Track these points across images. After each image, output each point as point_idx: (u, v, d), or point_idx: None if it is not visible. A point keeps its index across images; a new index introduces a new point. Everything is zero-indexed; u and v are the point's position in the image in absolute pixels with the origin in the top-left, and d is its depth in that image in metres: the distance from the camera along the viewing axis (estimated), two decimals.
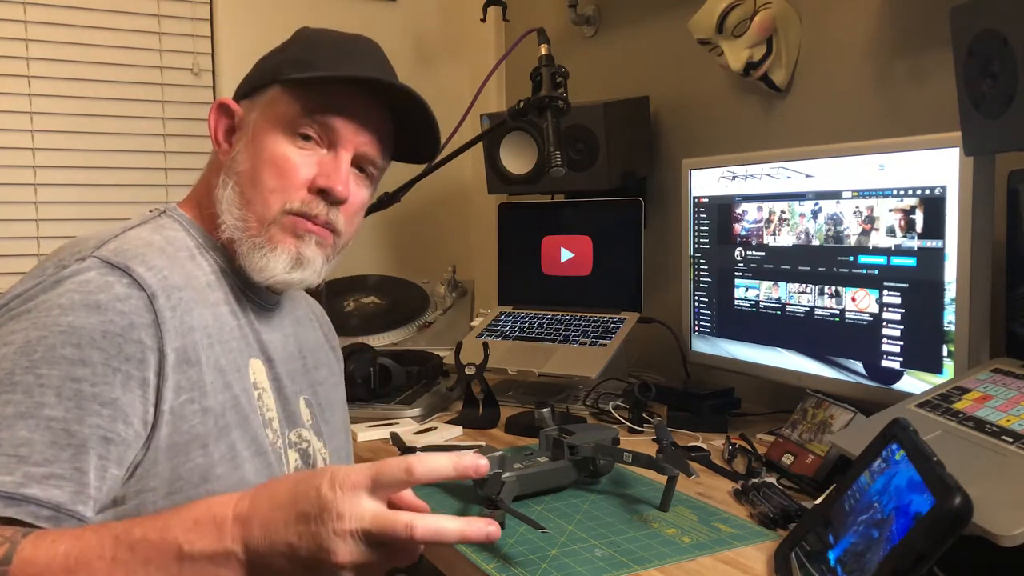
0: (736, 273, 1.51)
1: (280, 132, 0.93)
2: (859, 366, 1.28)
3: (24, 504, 0.72)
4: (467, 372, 1.52)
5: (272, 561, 0.67)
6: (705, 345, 1.60)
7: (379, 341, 1.92)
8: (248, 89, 0.98)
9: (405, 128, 1.01)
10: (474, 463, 0.70)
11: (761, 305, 1.46)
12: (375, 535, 0.66)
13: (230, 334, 0.91)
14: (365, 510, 0.66)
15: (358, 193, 0.98)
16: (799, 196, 1.37)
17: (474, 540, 0.68)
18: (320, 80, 0.93)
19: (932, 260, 1.17)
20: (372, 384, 1.56)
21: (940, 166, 1.15)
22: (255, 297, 0.98)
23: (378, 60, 1.00)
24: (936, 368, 1.17)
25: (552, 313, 1.82)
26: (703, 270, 1.59)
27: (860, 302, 1.28)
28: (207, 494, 0.80)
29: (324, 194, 0.93)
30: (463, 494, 1.15)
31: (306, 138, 0.93)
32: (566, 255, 1.85)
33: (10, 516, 0.71)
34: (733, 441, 1.32)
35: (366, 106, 0.96)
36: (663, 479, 1.10)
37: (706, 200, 1.57)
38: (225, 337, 0.90)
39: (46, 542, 0.69)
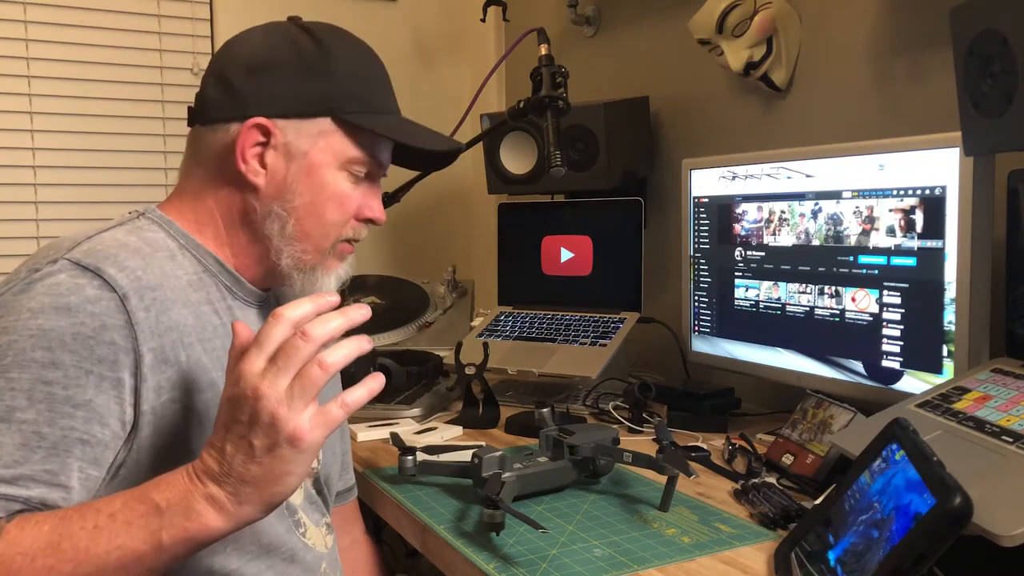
0: (736, 273, 1.51)
1: (337, 168, 0.97)
2: (859, 366, 1.28)
3: None
4: (467, 372, 1.52)
5: (237, 468, 0.72)
6: (705, 345, 1.60)
7: (379, 341, 1.92)
8: (287, 111, 0.94)
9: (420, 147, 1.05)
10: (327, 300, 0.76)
11: (761, 305, 1.46)
12: (281, 366, 0.72)
13: (213, 333, 0.91)
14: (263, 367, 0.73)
15: None
16: (799, 196, 1.37)
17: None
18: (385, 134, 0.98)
19: (932, 260, 1.17)
20: None
21: (940, 166, 1.15)
22: (243, 296, 0.99)
23: (389, 79, 1.04)
24: (936, 368, 1.17)
25: (552, 313, 1.82)
26: (703, 270, 1.59)
27: (860, 302, 1.28)
28: None
29: (369, 222, 1.02)
30: (463, 494, 1.15)
31: (358, 176, 0.99)
32: (566, 255, 1.85)
33: None
34: (733, 441, 1.32)
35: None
36: (663, 479, 1.10)
37: (706, 200, 1.57)
38: (208, 336, 0.90)
39: (31, 523, 0.71)
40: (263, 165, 0.94)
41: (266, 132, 0.93)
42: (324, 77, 0.95)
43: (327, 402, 0.75)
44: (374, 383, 0.76)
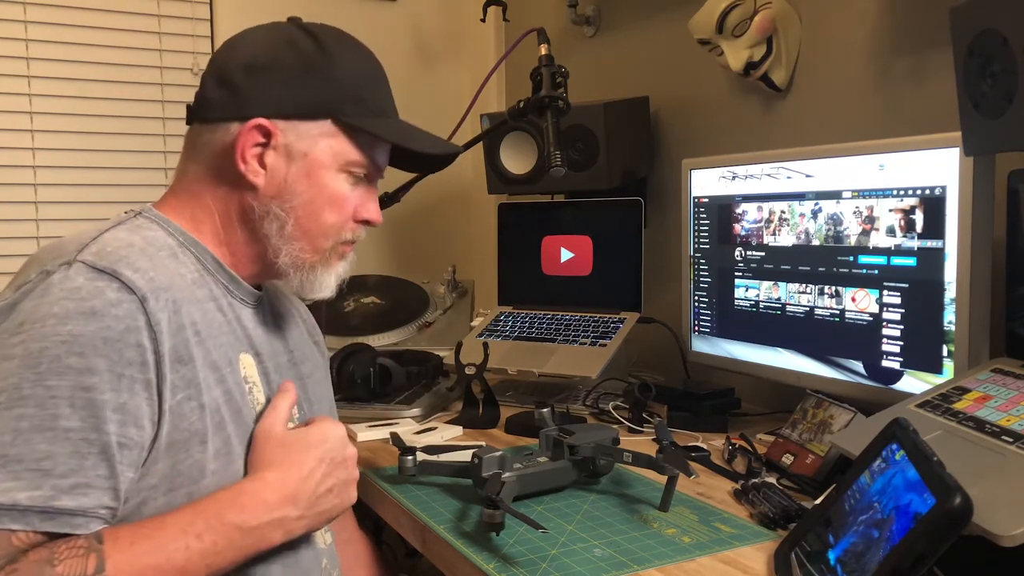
0: (736, 273, 1.51)
1: (337, 170, 0.97)
2: (859, 366, 1.28)
3: (58, 516, 0.75)
4: (467, 372, 1.52)
5: (312, 496, 0.90)
6: (705, 345, 1.60)
7: (379, 341, 1.92)
8: (288, 112, 0.94)
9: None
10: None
11: (761, 305, 1.46)
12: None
13: (219, 329, 0.92)
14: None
15: None
16: (799, 196, 1.37)
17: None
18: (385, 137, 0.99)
19: (932, 260, 1.17)
20: (372, 384, 1.56)
21: (940, 166, 1.15)
22: (238, 293, 0.99)
23: (387, 81, 1.05)
24: (936, 368, 1.17)
25: (552, 313, 1.82)
26: (703, 270, 1.59)
27: (860, 302, 1.27)
28: (205, 489, 0.85)
29: (365, 223, 1.03)
30: (463, 494, 1.15)
31: (357, 177, 0.99)
32: (566, 255, 1.85)
33: (48, 530, 0.75)
34: (733, 441, 1.32)
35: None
36: (663, 479, 1.10)
37: (706, 200, 1.57)
38: (214, 332, 0.91)
39: (125, 543, 0.76)
40: (263, 165, 0.94)
41: (267, 133, 0.93)
42: (325, 79, 0.95)
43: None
44: None
